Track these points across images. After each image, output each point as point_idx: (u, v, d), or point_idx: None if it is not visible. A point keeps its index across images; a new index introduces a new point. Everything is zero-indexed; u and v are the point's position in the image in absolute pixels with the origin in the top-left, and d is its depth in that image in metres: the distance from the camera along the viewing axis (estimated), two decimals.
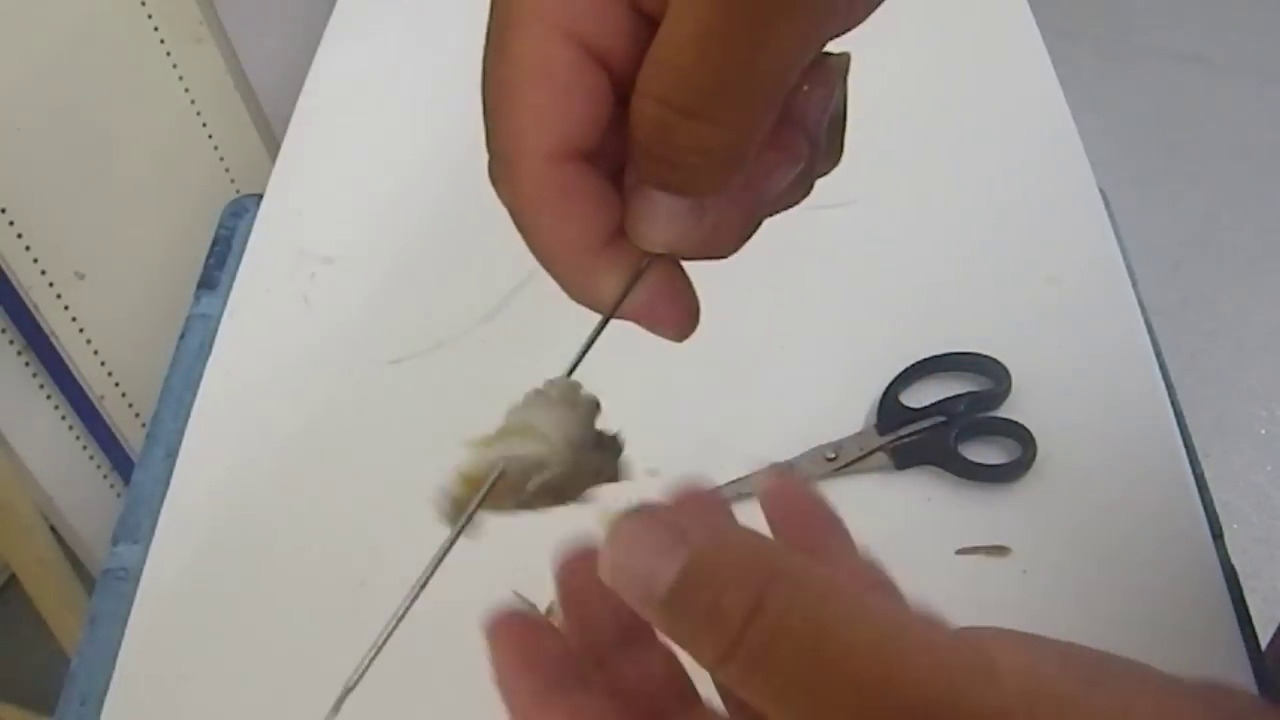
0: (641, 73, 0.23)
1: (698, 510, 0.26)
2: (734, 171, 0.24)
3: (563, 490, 0.29)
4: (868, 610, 0.21)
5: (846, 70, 0.27)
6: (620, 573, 0.23)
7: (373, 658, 0.28)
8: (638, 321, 0.28)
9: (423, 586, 0.27)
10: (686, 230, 0.26)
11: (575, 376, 0.28)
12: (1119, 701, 0.21)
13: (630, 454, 0.29)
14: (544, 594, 0.54)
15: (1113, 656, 0.22)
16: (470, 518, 0.28)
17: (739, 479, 0.52)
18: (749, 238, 0.28)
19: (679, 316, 0.28)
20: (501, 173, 0.26)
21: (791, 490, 0.30)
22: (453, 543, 0.28)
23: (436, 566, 0.28)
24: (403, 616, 0.28)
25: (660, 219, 0.26)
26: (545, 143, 0.25)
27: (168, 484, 0.60)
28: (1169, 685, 0.22)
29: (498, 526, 0.58)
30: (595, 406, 0.29)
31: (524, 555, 0.55)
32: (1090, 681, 0.22)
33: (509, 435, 0.28)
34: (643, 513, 0.23)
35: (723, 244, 0.27)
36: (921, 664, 0.21)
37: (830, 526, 0.30)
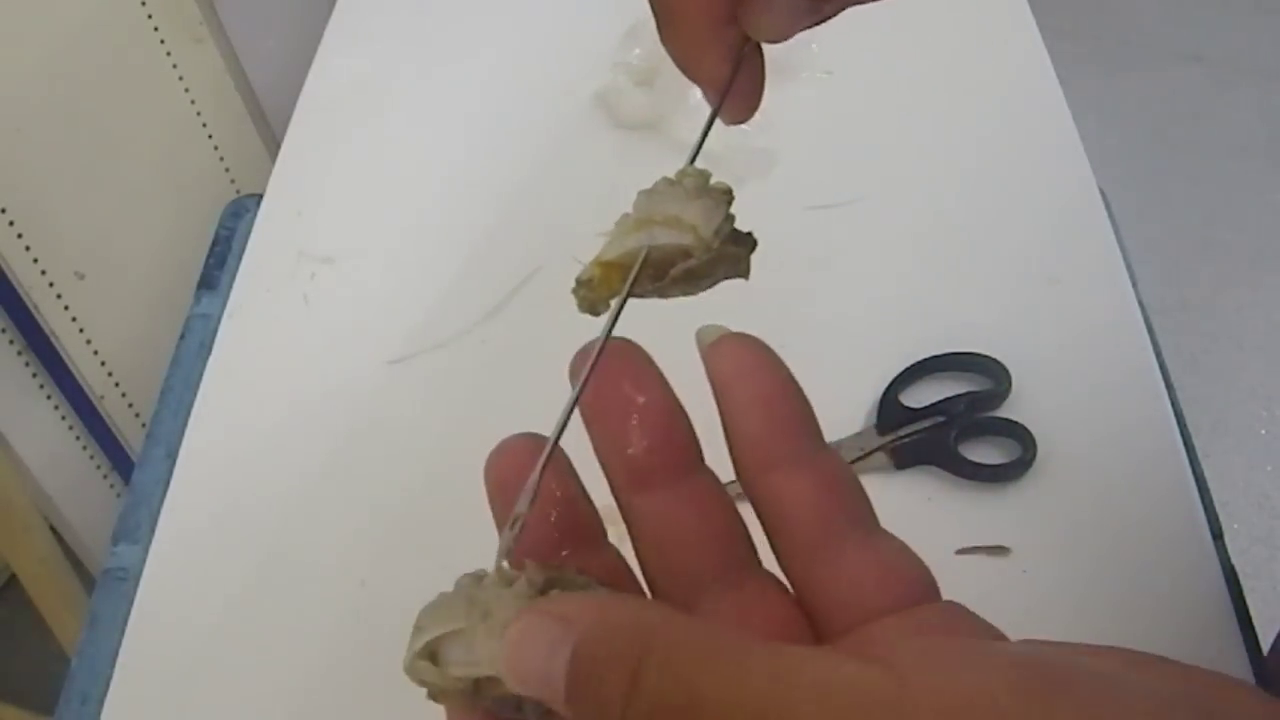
0: None
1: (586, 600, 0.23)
2: None
3: (699, 279, 0.29)
4: (748, 668, 0.20)
5: None
6: (523, 682, 0.22)
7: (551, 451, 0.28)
8: (727, 98, 0.31)
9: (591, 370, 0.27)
10: (787, 22, 0.30)
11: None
12: None
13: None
14: None
15: (1086, 672, 0.19)
16: (625, 300, 0.28)
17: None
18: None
19: (754, 103, 0.32)
20: None
21: (747, 359, 0.27)
22: (611, 329, 0.28)
23: (604, 346, 0.27)
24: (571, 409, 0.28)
25: (773, 9, 0.30)
26: None
27: (168, 484, 0.60)
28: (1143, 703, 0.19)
29: (493, 532, 0.58)
30: (730, 196, 0.29)
31: None
32: None
33: (651, 224, 0.28)
34: (533, 610, 0.23)
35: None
36: (808, 706, 0.19)
37: (793, 412, 0.27)
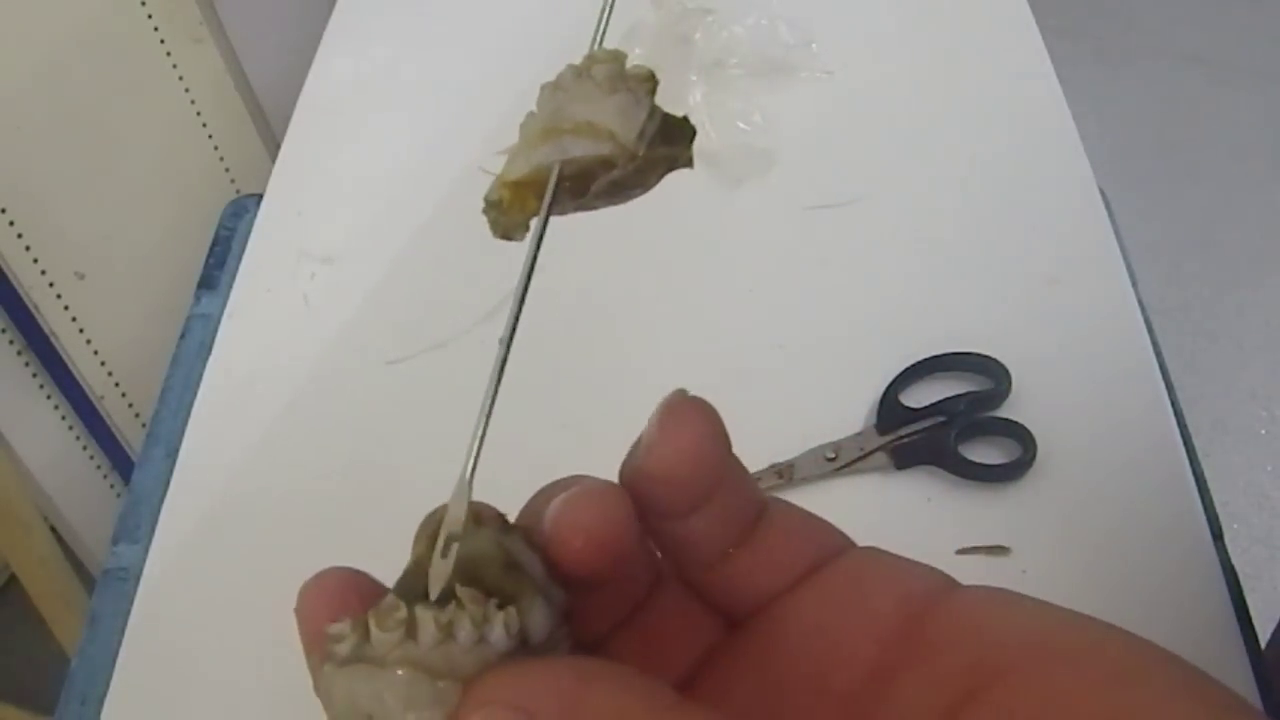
0: None
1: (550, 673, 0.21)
2: None
3: (631, 186, 0.25)
4: None
5: None
6: None
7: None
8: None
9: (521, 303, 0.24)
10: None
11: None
12: None
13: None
14: None
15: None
16: (543, 230, 0.24)
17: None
18: None
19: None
20: None
21: (683, 429, 0.25)
22: (533, 263, 0.24)
23: (525, 288, 0.24)
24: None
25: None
26: None
27: (168, 484, 0.60)
28: None
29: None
30: (653, 84, 0.24)
31: None
32: None
33: (559, 133, 0.23)
34: (488, 699, 0.20)
35: None
36: None
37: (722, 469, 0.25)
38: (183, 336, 0.68)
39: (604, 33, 0.24)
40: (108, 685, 0.53)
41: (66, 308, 0.92)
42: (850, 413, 0.59)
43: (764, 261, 0.66)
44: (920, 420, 0.58)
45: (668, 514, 0.24)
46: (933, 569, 0.24)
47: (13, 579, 1.00)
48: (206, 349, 0.65)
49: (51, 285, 0.90)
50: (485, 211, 0.25)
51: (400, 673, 0.20)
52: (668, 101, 0.25)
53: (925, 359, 0.60)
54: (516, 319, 0.25)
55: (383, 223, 0.71)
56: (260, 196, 0.73)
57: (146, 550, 0.57)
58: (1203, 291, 1.64)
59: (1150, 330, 0.62)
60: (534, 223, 0.24)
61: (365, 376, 0.63)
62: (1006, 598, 0.23)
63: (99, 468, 1.01)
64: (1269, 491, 1.45)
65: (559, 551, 0.23)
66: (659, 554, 0.26)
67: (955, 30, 0.80)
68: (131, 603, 0.56)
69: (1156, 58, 1.98)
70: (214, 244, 0.73)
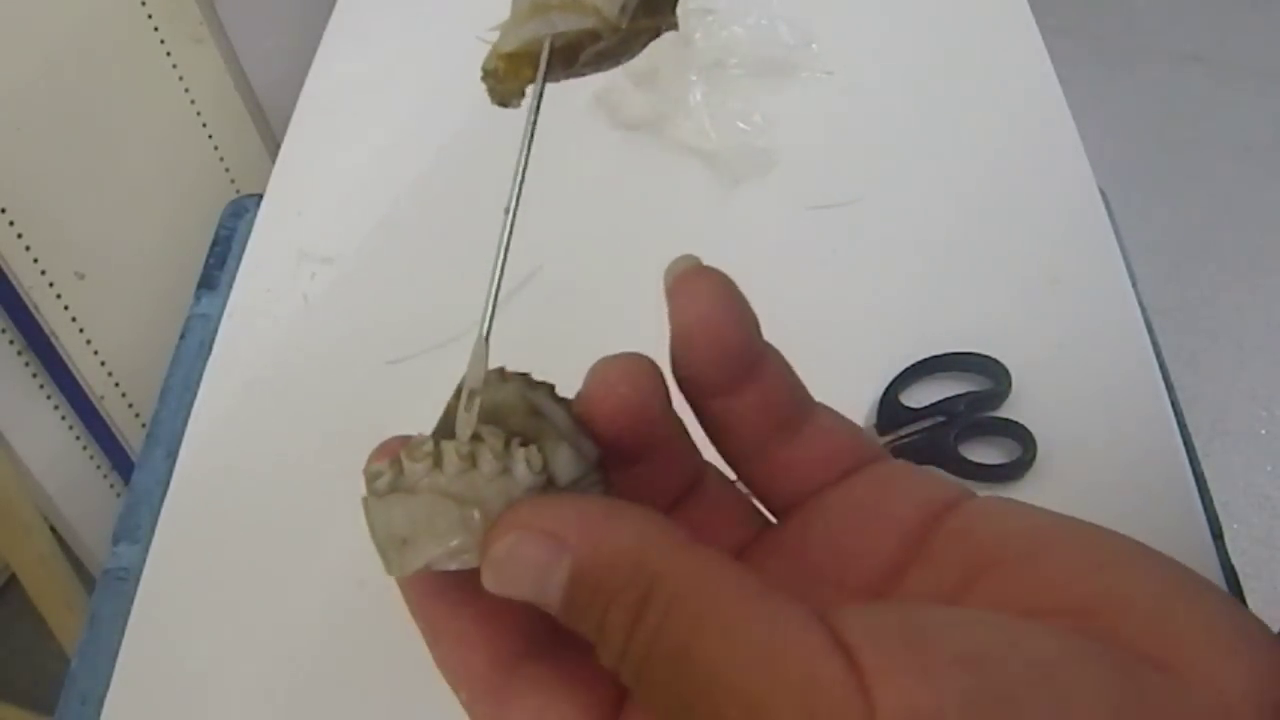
0: None
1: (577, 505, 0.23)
2: None
3: (618, 54, 0.27)
4: (745, 632, 0.20)
5: None
6: (508, 588, 0.22)
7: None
8: None
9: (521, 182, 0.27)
10: None
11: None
12: None
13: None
14: None
15: (1038, 680, 0.19)
16: (539, 101, 0.26)
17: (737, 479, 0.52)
18: None
19: None
20: None
21: (707, 296, 0.26)
22: (533, 129, 0.27)
23: (527, 155, 0.26)
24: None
25: None
26: None
27: (168, 484, 0.60)
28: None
29: None
30: None
31: None
32: None
33: (548, 8, 0.25)
34: (520, 524, 0.22)
35: None
36: (789, 703, 0.19)
37: (751, 352, 0.26)
38: (183, 336, 0.68)
39: None
40: (108, 685, 0.53)
41: (66, 308, 0.92)
42: (850, 413, 0.58)
43: (764, 261, 0.66)
44: (920, 420, 0.58)
45: (711, 386, 0.26)
46: (958, 483, 0.26)
47: (13, 579, 1.00)
48: (206, 349, 0.65)
49: (51, 285, 0.90)
50: (483, 79, 0.27)
51: (428, 497, 0.23)
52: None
53: (925, 359, 0.60)
54: (520, 185, 0.28)
55: (383, 223, 0.71)
56: (260, 196, 0.73)
57: (146, 550, 0.57)
58: (1203, 291, 1.64)
59: (1150, 330, 0.62)
60: (529, 90, 0.26)
61: (365, 376, 0.63)
62: (1013, 505, 0.25)
63: (99, 468, 1.01)
64: (1269, 491, 1.45)
65: (591, 408, 0.25)
66: (709, 439, 0.27)
67: (955, 30, 0.80)
68: (131, 603, 0.56)
69: (1156, 58, 1.98)
70: (214, 244, 0.73)
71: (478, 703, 0.24)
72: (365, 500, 0.24)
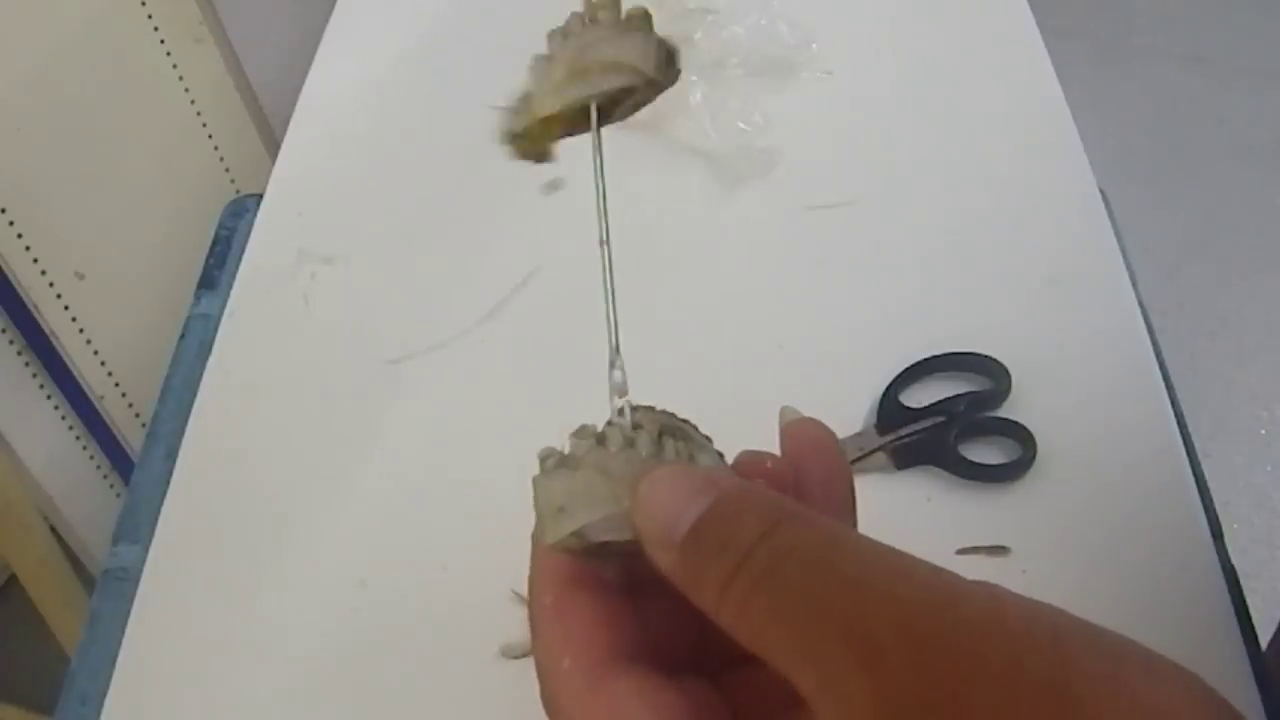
0: None
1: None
2: None
3: (644, 103, 0.29)
4: (877, 554, 0.22)
5: None
6: (649, 514, 0.25)
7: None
8: None
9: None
10: None
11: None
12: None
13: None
14: None
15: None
16: (601, 155, 0.29)
17: None
18: None
19: None
20: None
21: (811, 433, 0.30)
22: (602, 172, 0.29)
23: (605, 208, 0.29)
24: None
25: None
26: None
27: (168, 484, 0.60)
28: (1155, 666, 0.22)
29: (495, 529, 0.57)
30: (649, 18, 0.28)
31: (523, 554, 0.55)
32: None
33: (588, 73, 0.27)
34: (682, 464, 0.25)
35: None
36: (934, 600, 0.21)
37: (840, 481, 0.30)
38: (183, 336, 0.68)
39: None
40: (108, 685, 0.53)
41: (66, 308, 0.92)
42: (850, 413, 0.59)
43: (764, 261, 0.66)
44: (920, 420, 0.58)
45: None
46: None
47: (13, 579, 1.00)
48: (206, 349, 0.65)
49: (51, 285, 0.90)
50: (509, 143, 0.29)
51: (586, 472, 0.26)
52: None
53: (925, 359, 0.60)
54: (606, 221, 0.31)
55: (383, 223, 0.71)
56: (260, 196, 0.73)
57: (146, 550, 0.57)
58: (1203, 291, 1.64)
59: (1150, 330, 0.62)
60: (574, 144, 0.29)
61: (365, 376, 0.63)
62: None
63: (99, 468, 1.01)
64: (1269, 491, 1.45)
65: (789, 441, 0.29)
66: None
67: (955, 30, 0.80)
68: (131, 603, 0.56)
69: (1156, 58, 1.98)
70: (214, 244, 0.73)
71: (579, 672, 0.25)
72: (534, 478, 0.27)
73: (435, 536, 0.57)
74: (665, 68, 0.28)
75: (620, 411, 0.28)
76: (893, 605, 0.21)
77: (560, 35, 0.28)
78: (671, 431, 0.27)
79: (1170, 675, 0.21)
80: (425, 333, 0.64)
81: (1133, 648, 0.21)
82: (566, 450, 0.27)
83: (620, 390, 0.28)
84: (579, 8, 0.28)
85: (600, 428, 0.27)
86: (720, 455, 0.28)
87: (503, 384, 0.62)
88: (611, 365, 0.28)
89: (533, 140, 0.29)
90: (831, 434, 0.30)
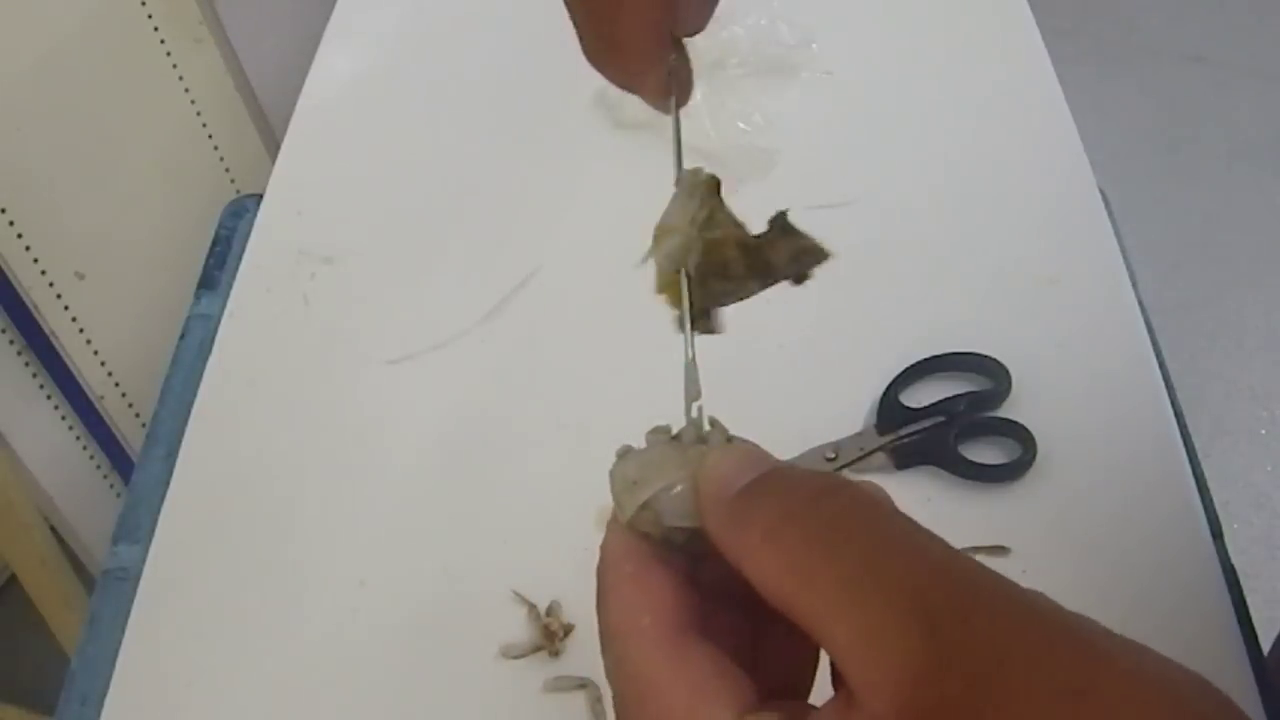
0: None
1: None
2: None
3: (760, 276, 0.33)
4: (928, 533, 0.23)
5: None
6: (708, 475, 0.26)
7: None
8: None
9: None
10: (710, 11, 0.35)
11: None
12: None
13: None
14: (543, 593, 0.54)
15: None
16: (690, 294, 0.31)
17: None
18: None
19: (690, 89, 0.36)
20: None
21: None
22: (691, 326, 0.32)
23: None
24: None
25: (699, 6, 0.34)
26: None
27: (168, 484, 0.60)
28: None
29: (495, 529, 0.57)
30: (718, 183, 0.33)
31: (523, 554, 0.55)
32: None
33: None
34: (743, 444, 0.28)
35: None
36: (984, 578, 0.22)
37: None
38: (183, 336, 0.68)
39: (681, 161, 0.34)
40: (108, 685, 0.53)
41: (66, 308, 0.92)
42: (850, 413, 0.59)
43: None
44: (920, 420, 0.58)
45: None
46: None
47: (13, 579, 1.00)
48: (206, 349, 0.65)
49: (51, 285, 0.91)
50: (662, 282, 0.33)
51: (659, 449, 0.28)
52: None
53: (925, 359, 0.60)
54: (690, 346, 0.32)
55: (383, 223, 0.71)
56: (260, 196, 0.73)
57: (146, 550, 0.57)
58: (1203, 291, 1.64)
59: (1150, 330, 0.62)
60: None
61: (365, 376, 0.63)
62: None
63: (99, 468, 1.01)
64: (1269, 491, 1.45)
65: None
66: None
67: (955, 30, 0.80)
68: (131, 603, 0.56)
69: (1156, 58, 1.98)
70: (214, 244, 0.73)
71: (659, 629, 0.26)
72: (611, 469, 0.29)
73: (435, 536, 0.57)
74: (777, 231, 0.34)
75: (694, 411, 0.30)
76: (946, 574, 0.22)
77: (682, 207, 0.34)
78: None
79: (1184, 678, 0.22)
80: (425, 333, 0.64)
81: (1152, 653, 0.22)
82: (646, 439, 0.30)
83: (694, 394, 0.30)
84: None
85: (672, 429, 0.29)
86: None
87: (503, 384, 0.62)
88: (687, 373, 0.30)
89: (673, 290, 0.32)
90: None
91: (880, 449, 0.57)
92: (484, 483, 0.58)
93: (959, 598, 0.22)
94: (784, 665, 0.28)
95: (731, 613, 0.28)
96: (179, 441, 0.61)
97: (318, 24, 0.84)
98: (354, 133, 0.77)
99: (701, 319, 0.32)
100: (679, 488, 0.27)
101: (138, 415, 1.02)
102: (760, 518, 0.25)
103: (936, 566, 0.22)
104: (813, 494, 0.24)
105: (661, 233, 0.32)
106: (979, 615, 0.21)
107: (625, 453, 0.29)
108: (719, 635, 0.27)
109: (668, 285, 0.32)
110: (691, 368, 0.30)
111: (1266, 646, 0.52)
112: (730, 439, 0.29)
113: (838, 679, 0.24)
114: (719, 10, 0.37)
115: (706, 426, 0.29)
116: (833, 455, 0.57)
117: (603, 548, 0.28)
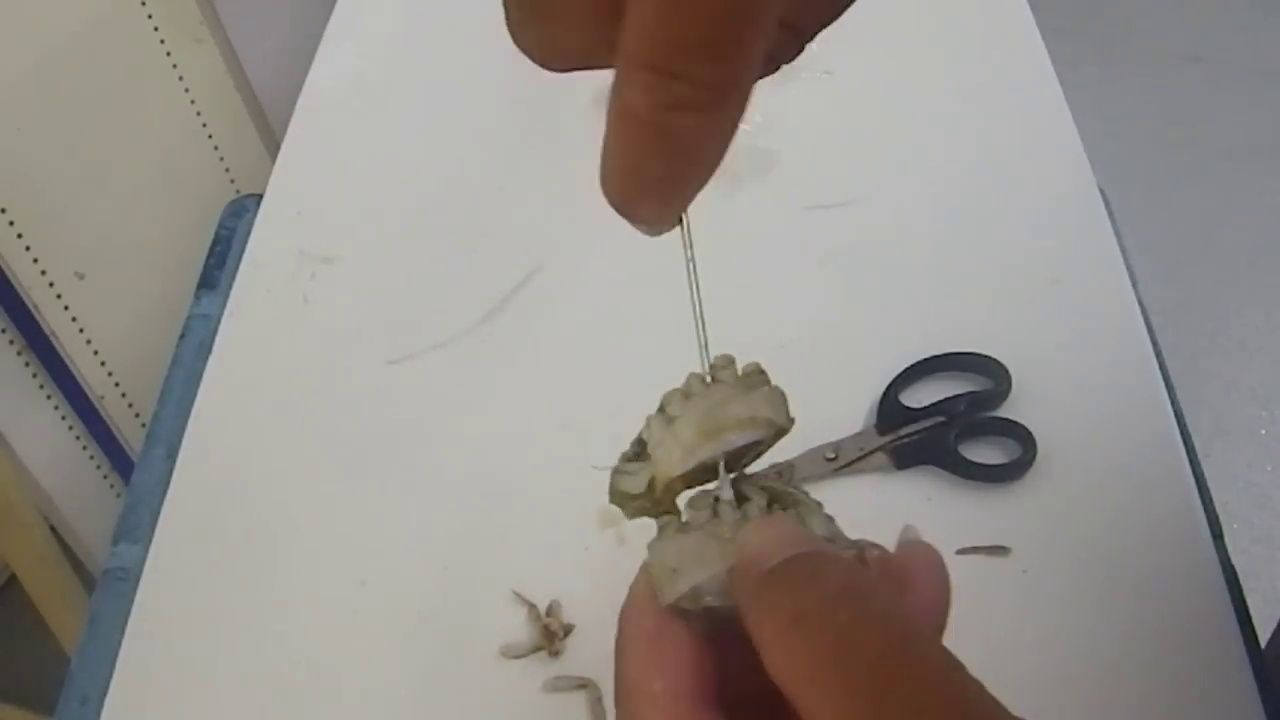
0: None
1: None
2: None
3: (762, 453, 0.30)
4: (952, 665, 0.22)
5: None
6: (743, 548, 0.26)
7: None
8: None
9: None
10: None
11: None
12: None
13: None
14: (543, 593, 0.54)
15: None
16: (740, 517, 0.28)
17: None
18: None
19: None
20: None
21: (925, 554, 0.30)
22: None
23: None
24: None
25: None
26: None
27: (168, 484, 0.60)
28: None
29: (495, 529, 0.58)
30: (764, 374, 0.30)
31: (523, 554, 0.55)
32: None
33: (722, 432, 0.28)
34: (783, 517, 0.27)
35: None
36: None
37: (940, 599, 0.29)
38: (183, 336, 0.68)
39: (707, 345, 0.30)
40: (108, 685, 0.53)
41: (66, 308, 0.92)
42: (850, 413, 0.59)
43: (764, 261, 0.66)
44: (920, 420, 0.58)
45: None
46: None
47: (13, 579, 1.00)
48: (206, 349, 0.65)
49: (51, 285, 0.91)
50: (619, 503, 0.30)
51: (699, 536, 0.27)
52: None
53: (925, 359, 0.60)
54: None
55: (383, 223, 0.71)
56: (260, 196, 0.73)
57: (146, 550, 0.57)
58: (1203, 291, 1.64)
59: (1150, 330, 0.62)
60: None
61: (365, 376, 0.63)
62: None
63: (99, 468, 1.01)
64: (1269, 491, 1.45)
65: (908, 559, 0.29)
66: None
67: (955, 30, 0.80)
68: (131, 603, 0.56)
69: (1156, 58, 1.98)
70: (214, 244, 0.73)
71: (670, 697, 0.26)
72: (650, 545, 0.28)
73: (435, 536, 0.57)
74: (785, 419, 0.30)
75: (735, 479, 0.29)
76: (950, 698, 0.22)
77: (681, 395, 0.29)
78: (779, 498, 0.29)
79: None
80: (425, 333, 0.64)
81: None
82: (684, 518, 0.29)
83: (731, 463, 0.29)
84: (695, 368, 0.29)
85: (711, 496, 0.29)
86: (831, 519, 0.29)
87: (503, 384, 0.62)
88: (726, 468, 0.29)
89: (655, 500, 0.29)
90: (942, 560, 0.29)
91: (880, 449, 0.57)
92: (484, 483, 0.58)
93: None
94: None
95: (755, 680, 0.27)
96: (179, 441, 0.61)
97: (318, 24, 0.84)
98: (354, 133, 0.77)
99: (664, 508, 0.30)
100: (718, 577, 0.27)
101: (138, 415, 1.02)
102: (779, 608, 0.24)
103: (941, 693, 0.22)
104: (836, 596, 0.24)
105: (738, 423, 0.28)
106: None
107: (665, 528, 0.28)
108: (740, 701, 0.27)
109: (675, 479, 0.29)
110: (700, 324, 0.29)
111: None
112: (770, 506, 0.28)
113: None
114: None
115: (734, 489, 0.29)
116: (833, 455, 0.57)
117: (631, 590, 0.28)
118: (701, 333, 0.29)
